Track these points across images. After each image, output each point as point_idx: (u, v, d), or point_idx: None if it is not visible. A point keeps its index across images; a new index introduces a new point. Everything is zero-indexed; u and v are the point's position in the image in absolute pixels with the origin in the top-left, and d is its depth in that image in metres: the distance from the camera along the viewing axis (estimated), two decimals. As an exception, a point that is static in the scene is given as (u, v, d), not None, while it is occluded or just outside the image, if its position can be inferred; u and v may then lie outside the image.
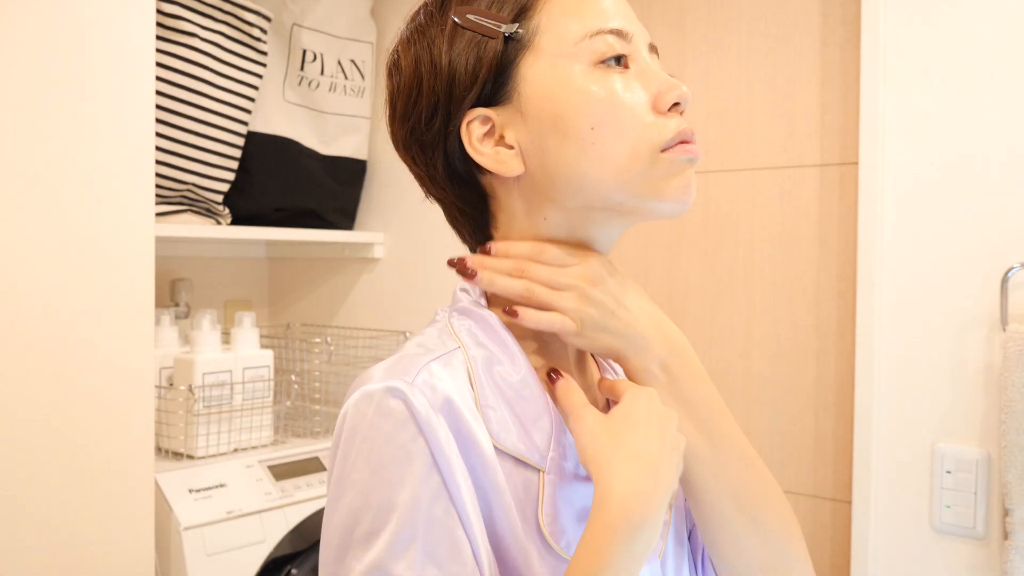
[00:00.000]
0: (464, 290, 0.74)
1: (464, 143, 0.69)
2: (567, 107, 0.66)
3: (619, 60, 0.67)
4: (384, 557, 0.57)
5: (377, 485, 0.59)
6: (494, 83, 0.67)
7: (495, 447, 0.64)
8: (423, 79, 0.70)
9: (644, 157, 0.66)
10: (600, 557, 0.58)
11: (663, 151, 0.66)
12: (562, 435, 0.67)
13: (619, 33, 0.67)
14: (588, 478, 0.66)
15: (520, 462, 0.65)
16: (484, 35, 0.67)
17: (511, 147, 0.68)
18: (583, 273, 0.68)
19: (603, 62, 0.66)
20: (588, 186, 0.66)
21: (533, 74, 0.67)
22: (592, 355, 0.79)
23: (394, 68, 0.75)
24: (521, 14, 0.67)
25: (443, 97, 0.69)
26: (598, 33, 0.66)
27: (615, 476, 0.61)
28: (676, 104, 0.67)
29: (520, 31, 0.67)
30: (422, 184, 0.76)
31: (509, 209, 0.71)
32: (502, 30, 0.66)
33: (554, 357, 0.72)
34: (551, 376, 0.68)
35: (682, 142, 0.67)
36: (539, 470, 0.65)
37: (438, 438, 0.60)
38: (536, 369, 0.70)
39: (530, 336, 0.71)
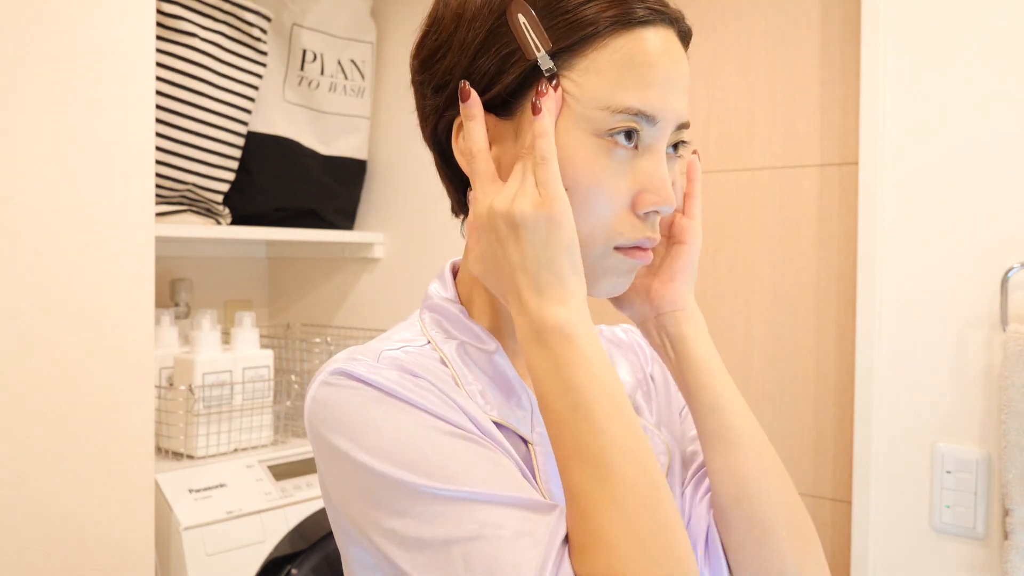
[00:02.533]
0: (436, 284, 0.76)
1: (452, 135, 0.68)
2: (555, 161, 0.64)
3: (629, 137, 0.64)
4: (422, 480, 0.58)
5: (365, 439, 0.61)
6: (505, 99, 0.65)
7: (491, 420, 0.66)
8: (452, 49, 0.67)
9: (598, 245, 0.66)
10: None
11: (617, 248, 0.66)
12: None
13: (647, 116, 0.64)
14: None
15: (513, 433, 0.68)
16: (521, 47, 0.63)
17: (492, 160, 0.67)
18: None
19: (612, 135, 0.63)
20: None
21: None
22: None
23: (442, 3, 0.69)
24: (567, 49, 0.63)
25: (455, 82, 0.67)
26: (623, 111, 0.63)
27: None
28: (655, 211, 0.66)
29: (554, 70, 0.63)
30: (419, 122, 0.75)
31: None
32: (538, 57, 0.63)
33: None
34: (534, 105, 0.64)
35: (638, 248, 0.66)
36: (528, 442, 0.68)
37: (404, 386, 0.63)
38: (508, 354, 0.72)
39: (500, 326, 0.73)
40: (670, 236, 0.75)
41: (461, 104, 0.65)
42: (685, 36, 0.69)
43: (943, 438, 1.41)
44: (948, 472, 1.39)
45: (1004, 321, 1.33)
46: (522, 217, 0.61)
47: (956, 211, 1.39)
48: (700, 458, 0.78)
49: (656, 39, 0.65)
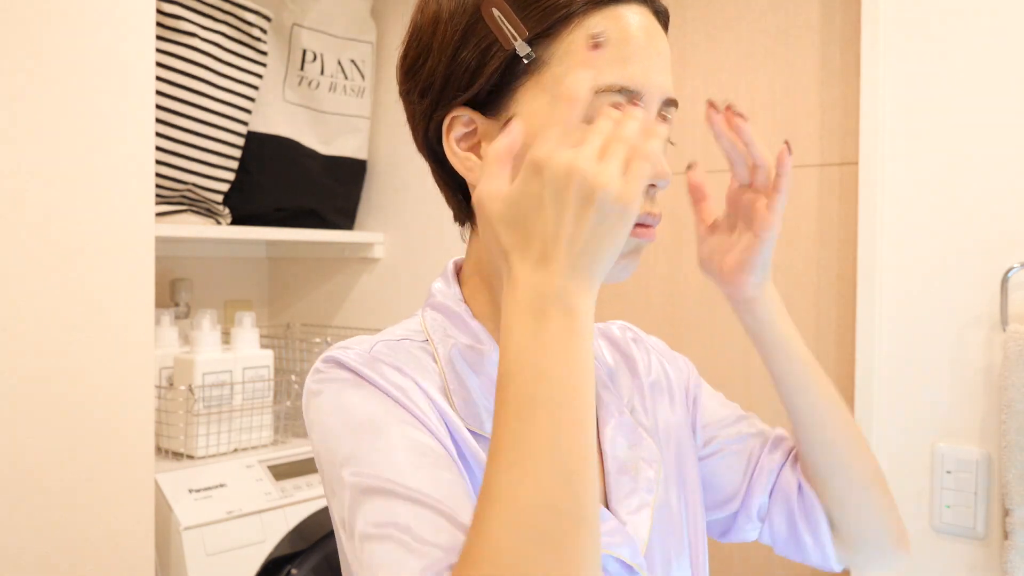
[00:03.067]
0: (439, 283, 0.76)
1: (442, 136, 0.69)
2: None
3: None
4: (357, 453, 0.60)
5: (340, 417, 0.63)
6: (489, 93, 0.66)
7: (468, 429, 0.66)
8: (432, 51, 0.68)
9: None
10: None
11: None
12: None
13: (629, 92, 0.63)
14: None
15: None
16: (498, 38, 0.64)
17: (483, 159, 0.67)
18: None
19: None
20: None
21: (528, 107, 0.64)
22: None
23: (419, 13, 0.70)
24: (543, 33, 0.64)
25: (439, 83, 0.68)
26: (606, 89, 0.63)
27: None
28: (652, 184, 0.66)
29: (532, 55, 0.63)
30: (411, 132, 0.75)
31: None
32: (515, 46, 0.64)
33: None
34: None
35: (641, 225, 0.66)
36: None
37: (383, 375, 0.64)
38: None
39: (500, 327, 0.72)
40: (750, 224, 0.75)
41: (590, 51, 0.60)
42: (661, 15, 0.69)
43: (943, 438, 1.41)
44: (948, 472, 1.39)
45: (1004, 321, 1.33)
46: (603, 197, 0.55)
47: (956, 211, 1.39)
48: (754, 430, 0.86)
49: (632, 16, 0.65)
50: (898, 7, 1.44)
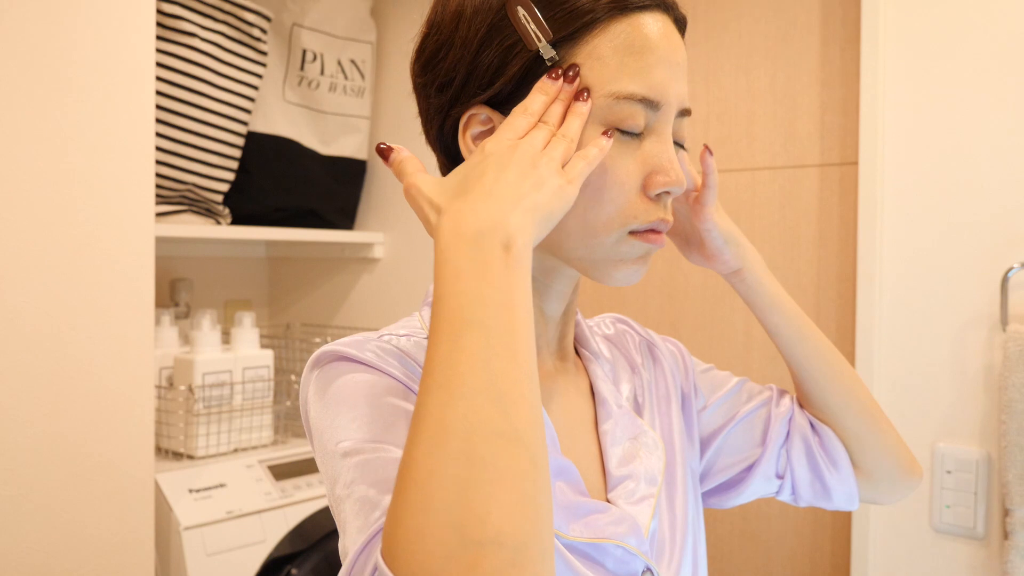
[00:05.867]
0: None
1: (458, 133, 0.69)
2: None
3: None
4: (341, 434, 0.61)
5: (334, 402, 0.63)
6: (510, 92, 0.66)
7: None
8: (453, 46, 0.68)
9: (614, 231, 0.67)
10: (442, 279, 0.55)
11: (632, 233, 0.67)
12: None
13: (649, 102, 0.65)
14: (557, 452, 0.69)
15: None
16: (523, 39, 0.64)
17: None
18: None
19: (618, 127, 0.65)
20: (555, 232, 0.67)
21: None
22: (577, 349, 0.80)
23: (439, 7, 0.70)
24: (567, 38, 0.64)
25: (459, 79, 0.67)
26: (627, 98, 0.64)
27: (447, 211, 0.58)
28: (667, 192, 0.67)
29: (556, 57, 0.64)
30: (422, 126, 0.75)
31: None
32: (539, 47, 0.64)
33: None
34: (380, 149, 0.66)
35: (652, 231, 0.68)
36: None
37: (381, 359, 0.65)
38: None
39: None
40: (694, 220, 0.81)
41: (547, 78, 0.63)
42: (680, 23, 0.70)
43: (943, 438, 1.41)
44: (948, 472, 1.39)
45: (1004, 321, 1.33)
46: (546, 162, 0.60)
47: (956, 211, 1.39)
48: (762, 396, 0.90)
49: (654, 24, 0.66)
50: (898, 7, 1.44)
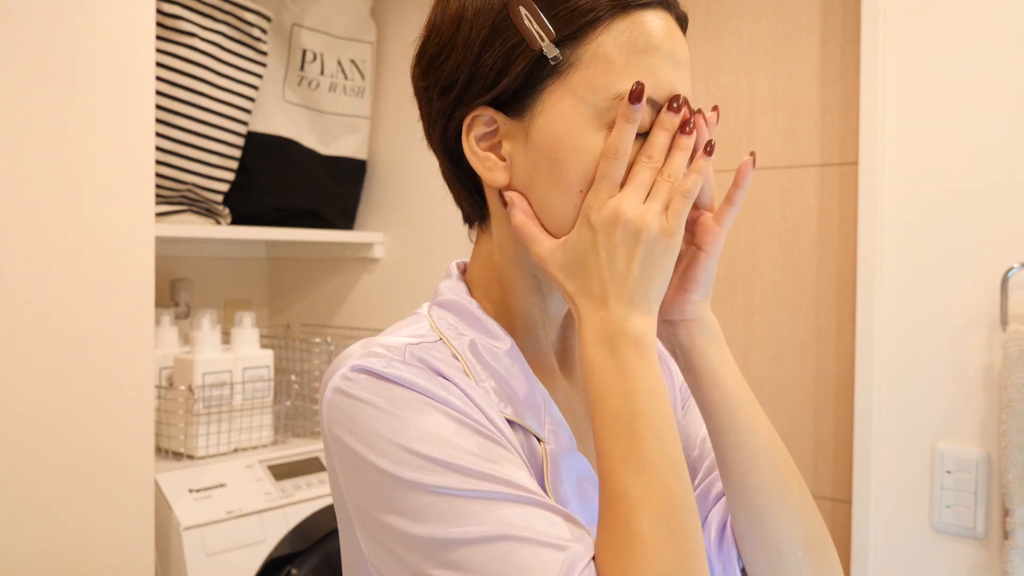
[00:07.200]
0: (447, 281, 0.76)
1: (462, 135, 0.68)
2: (569, 159, 0.64)
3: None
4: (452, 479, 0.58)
5: (385, 441, 0.60)
6: (514, 93, 0.65)
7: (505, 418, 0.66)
8: (455, 48, 0.67)
9: None
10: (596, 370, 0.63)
11: None
12: (552, 408, 0.70)
13: (655, 102, 0.64)
14: (574, 450, 0.70)
15: (525, 430, 0.67)
16: (525, 39, 0.64)
17: (504, 159, 0.67)
18: None
19: None
20: (559, 237, 0.66)
21: (554, 109, 0.64)
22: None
23: (439, 9, 0.70)
24: (571, 37, 0.64)
25: (462, 81, 0.67)
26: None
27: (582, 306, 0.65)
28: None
29: (560, 57, 0.64)
30: (424, 130, 0.74)
31: (495, 206, 0.72)
32: (542, 47, 0.63)
33: (534, 345, 0.74)
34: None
35: None
36: (541, 440, 0.68)
37: (430, 381, 0.63)
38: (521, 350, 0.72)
39: (513, 324, 0.73)
40: (692, 238, 0.71)
41: (630, 104, 0.62)
42: (682, 20, 0.70)
43: (943, 438, 1.41)
44: (948, 472, 1.39)
45: (1004, 321, 1.33)
46: (648, 235, 0.63)
47: (956, 211, 1.39)
48: (710, 457, 0.81)
49: (657, 21, 0.66)
50: (898, 7, 1.44)
